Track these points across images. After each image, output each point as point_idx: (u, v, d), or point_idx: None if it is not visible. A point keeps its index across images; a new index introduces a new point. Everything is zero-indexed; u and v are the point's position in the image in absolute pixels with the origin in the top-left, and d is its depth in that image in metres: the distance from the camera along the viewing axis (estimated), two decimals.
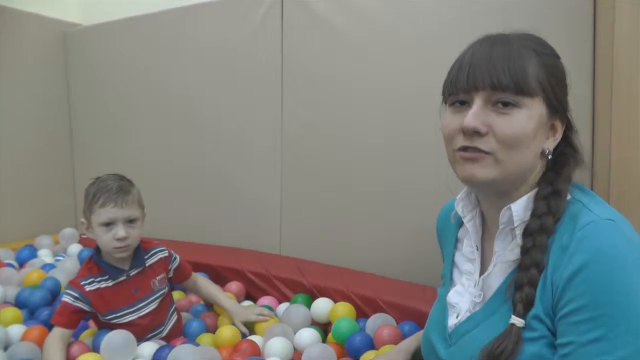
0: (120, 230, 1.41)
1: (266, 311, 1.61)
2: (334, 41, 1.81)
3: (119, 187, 1.44)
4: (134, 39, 2.38)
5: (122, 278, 1.47)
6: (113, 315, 1.45)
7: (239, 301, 1.80)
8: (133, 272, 1.50)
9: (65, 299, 1.42)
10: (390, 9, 1.69)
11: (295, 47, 1.92)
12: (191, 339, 1.53)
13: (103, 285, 1.45)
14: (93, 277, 1.45)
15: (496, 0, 1.49)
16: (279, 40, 1.95)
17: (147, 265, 1.53)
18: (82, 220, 1.48)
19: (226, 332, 1.52)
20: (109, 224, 1.42)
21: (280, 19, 1.93)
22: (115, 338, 1.34)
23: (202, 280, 1.74)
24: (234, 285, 1.84)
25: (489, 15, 1.49)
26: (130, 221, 1.44)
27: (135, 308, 1.47)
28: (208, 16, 2.14)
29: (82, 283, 1.43)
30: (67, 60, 2.63)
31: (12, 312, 1.65)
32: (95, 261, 1.48)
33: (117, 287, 1.47)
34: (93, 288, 1.44)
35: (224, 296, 1.70)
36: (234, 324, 1.59)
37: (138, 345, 1.40)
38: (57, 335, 1.39)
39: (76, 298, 1.41)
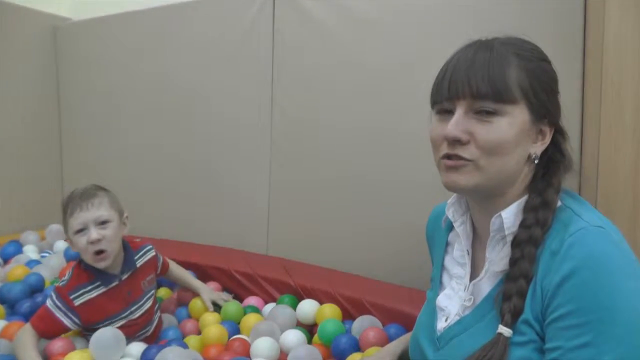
0: (93, 233, 1.36)
1: (225, 296, 1.74)
2: (324, 39, 1.81)
3: (83, 193, 1.41)
4: (125, 35, 2.37)
5: (115, 283, 1.44)
6: (108, 322, 1.42)
7: None
8: (125, 276, 1.47)
9: (54, 311, 1.37)
10: (381, 7, 1.69)
11: (286, 45, 1.91)
12: (178, 339, 1.51)
13: (95, 294, 1.41)
14: (83, 288, 1.40)
15: (488, 2, 1.49)
16: (270, 38, 1.94)
17: (138, 266, 1.51)
18: (67, 240, 1.46)
19: (214, 331, 1.50)
20: (81, 230, 1.38)
21: (271, 16, 1.93)
22: (105, 335, 1.32)
23: (171, 265, 1.75)
24: (213, 285, 1.82)
25: (481, 15, 1.49)
26: (101, 223, 1.39)
27: (129, 312, 1.45)
28: (200, 14, 2.13)
29: (72, 297, 1.38)
30: (57, 55, 2.60)
31: None
32: (84, 267, 1.42)
33: (111, 293, 1.43)
34: (84, 300, 1.39)
35: (192, 277, 1.77)
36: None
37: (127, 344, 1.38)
38: (31, 331, 1.34)
39: (64, 314, 1.37)
